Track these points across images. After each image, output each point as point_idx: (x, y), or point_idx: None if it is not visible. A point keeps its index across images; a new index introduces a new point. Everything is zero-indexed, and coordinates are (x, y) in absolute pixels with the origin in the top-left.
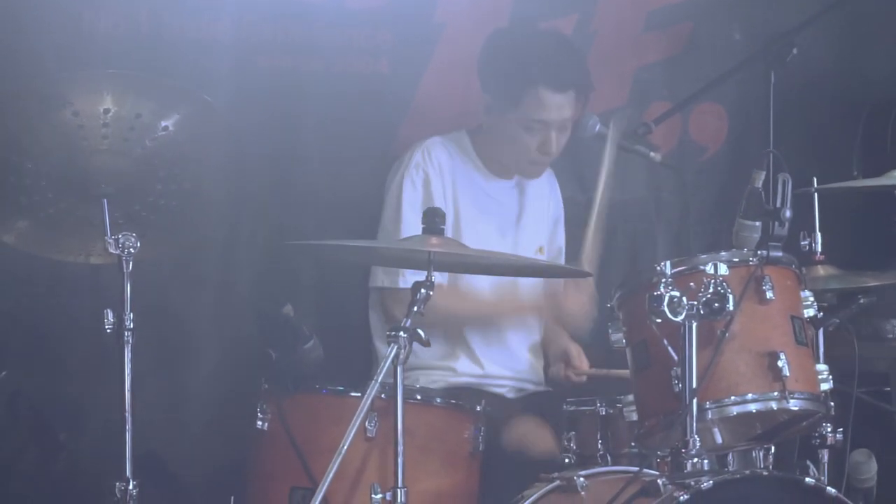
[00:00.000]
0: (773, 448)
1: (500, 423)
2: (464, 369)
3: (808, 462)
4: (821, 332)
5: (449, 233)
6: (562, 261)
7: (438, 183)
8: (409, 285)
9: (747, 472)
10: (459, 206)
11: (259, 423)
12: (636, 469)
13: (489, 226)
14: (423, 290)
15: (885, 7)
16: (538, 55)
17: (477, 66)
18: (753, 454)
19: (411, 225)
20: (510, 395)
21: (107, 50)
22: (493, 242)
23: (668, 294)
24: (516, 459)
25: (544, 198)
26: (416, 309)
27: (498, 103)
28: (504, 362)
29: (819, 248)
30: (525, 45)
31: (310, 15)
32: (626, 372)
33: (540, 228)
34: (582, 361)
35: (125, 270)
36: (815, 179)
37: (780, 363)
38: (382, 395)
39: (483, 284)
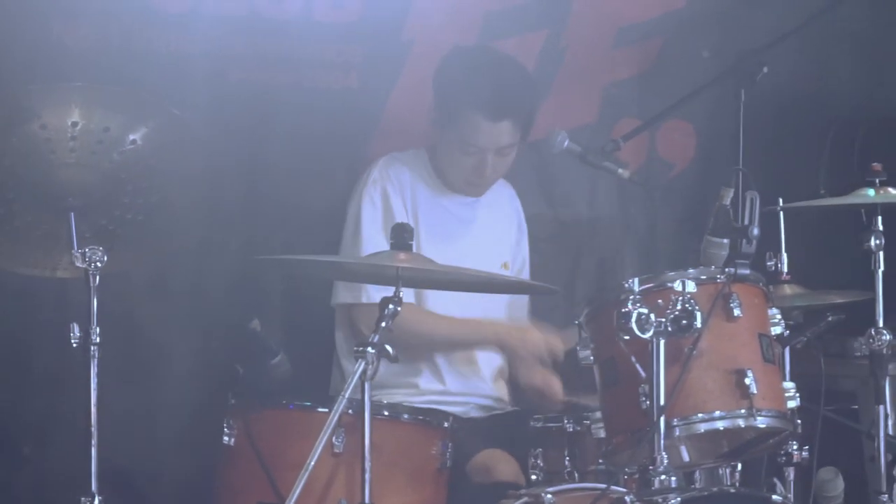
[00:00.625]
0: (740, 465)
1: (466, 449)
2: (426, 385)
3: (775, 480)
4: (787, 349)
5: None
6: (526, 272)
7: (398, 198)
8: (373, 300)
9: (714, 489)
10: (419, 222)
11: (226, 438)
12: (604, 486)
13: (449, 241)
14: (391, 306)
15: (853, 27)
16: (479, 81)
17: (433, 81)
18: (720, 471)
19: (371, 241)
20: (474, 413)
21: (77, 62)
22: (454, 258)
23: (636, 311)
24: (481, 494)
25: (504, 213)
26: (384, 324)
27: (439, 120)
28: (467, 381)
29: (785, 269)
30: (471, 69)
31: (281, 29)
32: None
33: (502, 243)
34: (554, 392)
35: (92, 284)
36: (780, 199)
37: (747, 381)
38: (350, 411)
39: (451, 308)
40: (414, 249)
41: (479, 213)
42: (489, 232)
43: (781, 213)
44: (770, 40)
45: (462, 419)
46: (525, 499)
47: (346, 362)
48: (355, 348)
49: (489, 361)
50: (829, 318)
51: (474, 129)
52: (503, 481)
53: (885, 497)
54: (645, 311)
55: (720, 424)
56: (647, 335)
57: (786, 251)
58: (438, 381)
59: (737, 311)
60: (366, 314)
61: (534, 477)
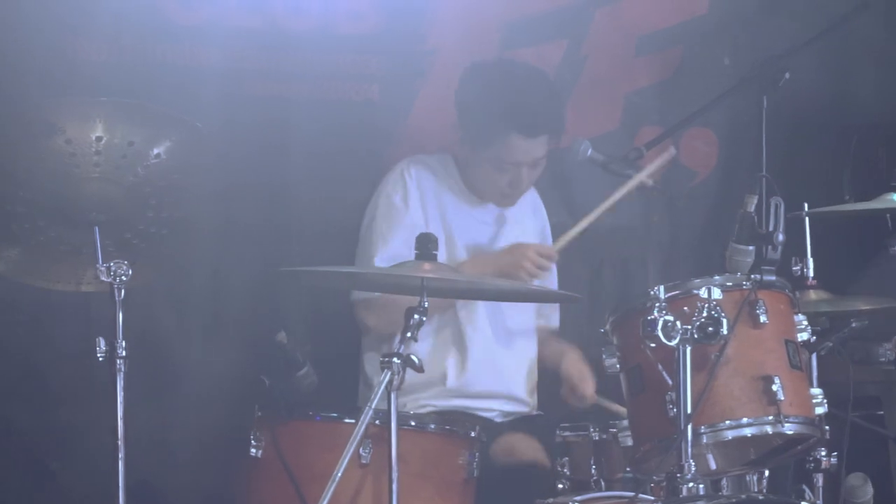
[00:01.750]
0: (767, 472)
1: (489, 440)
2: (452, 383)
3: (804, 486)
4: (814, 356)
5: (443, 252)
6: (553, 272)
7: (416, 195)
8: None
9: (742, 496)
10: (438, 223)
11: (252, 450)
12: (631, 494)
13: (473, 246)
14: (416, 316)
15: (876, 32)
16: (512, 100)
17: (455, 99)
18: (748, 479)
19: (383, 239)
20: (499, 418)
21: (93, 77)
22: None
23: (661, 318)
24: (507, 476)
25: (527, 221)
26: (409, 335)
27: (469, 140)
28: (494, 381)
29: (811, 274)
30: (500, 87)
31: (299, 41)
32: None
33: None
34: (586, 386)
35: (117, 298)
36: (805, 205)
37: (774, 387)
38: (376, 422)
39: (480, 312)
40: (441, 253)
41: (501, 219)
42: (508, 238)
43: (807, 218)
44: (791, 47)
45: (485, 422)
46: None
47: (368, 365)
48: (381, 359)
49: (519, 361)
50: (853, 324)
51: (511, 148)
52: (525, 461)
53: None
54: (671, 318)
55: (748, 431)
56: (674, 342)
57: (811, 257)
58: (462, 374)
59: (763, 318)
60: (368, 306)
61: (560, 486)
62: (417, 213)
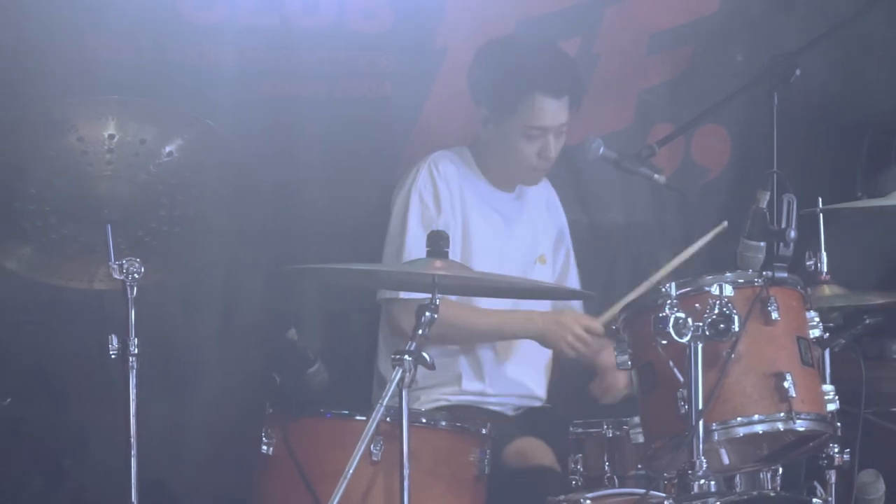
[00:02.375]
0: (780, 469)
1: (501, 443)
2: (467, 385)
3: (816, 483)
4: (827, 352)
5: (459, 245)
6: (571, 264)
7: (447, 195)
8: (412, 295)
9: (755, 493)
10: (468, 218)
11: (264, 447)
12: (643, 491)
13: (496, 236)
14: (427, 314)
15: (888, 28)
16: (532, 62)
17: (468, 80)
18: (760, 475)
19: (416, 238)
20: (510, 412)
21: (109, 76)
22: (500, 253)
23: (673, 315)
24: (518, 478)
25: (543, 209)
26: (420, 332)
27: (494, 114)
28: (508, 381)
29: (824, 269)
30: (517, 54)
31: (312, 40)
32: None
33: (540, 239)
34: (621, 378)
35: (129, 296)
36: (820, 200)
37: (786, 384)
38: (387, 419)
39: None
40: (462, 246)
41: (519, 208)
42: (528, 227)
43: (821, 214)
44: (802, 44)
45: (496, 415)
46: None
47: (384, 364)
48: (393, 356)
49: (533, 361)
50: (867, 321)
51: (538, 109)
52: (537, 464)
53: None
54: (682, 315)
55: (759, 428)
56: (685, 339)
57: (825, 251)
58: (479, 380)
59: (774, 315)
60: (405, 308)
61: (573, 482)
62: (448, 215)
